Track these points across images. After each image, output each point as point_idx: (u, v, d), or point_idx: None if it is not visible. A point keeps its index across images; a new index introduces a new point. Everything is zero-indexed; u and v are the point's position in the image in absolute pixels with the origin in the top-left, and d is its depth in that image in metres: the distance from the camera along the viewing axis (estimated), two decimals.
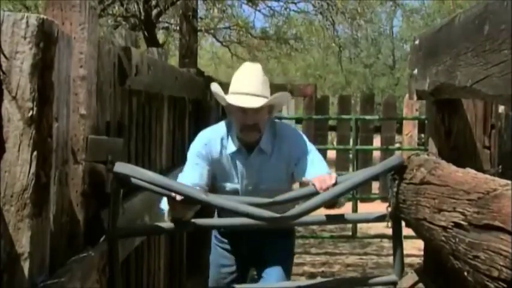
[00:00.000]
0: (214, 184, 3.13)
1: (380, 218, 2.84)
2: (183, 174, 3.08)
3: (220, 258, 3.36)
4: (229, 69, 24.09)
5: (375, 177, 2.84)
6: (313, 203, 2.58)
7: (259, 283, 3.27)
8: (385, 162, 2.73)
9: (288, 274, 3.31)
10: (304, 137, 3.21)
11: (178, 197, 2.53)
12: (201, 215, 3.16)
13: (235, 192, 3.10)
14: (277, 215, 2.57)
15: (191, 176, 3.02)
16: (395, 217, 2.67)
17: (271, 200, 2.70)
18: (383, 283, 3.05)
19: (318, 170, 2.93)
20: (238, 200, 2.68)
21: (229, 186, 3.13)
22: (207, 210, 3.39)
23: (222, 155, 3.10)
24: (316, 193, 2.63)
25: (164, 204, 2.76)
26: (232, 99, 3.00)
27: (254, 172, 3.11)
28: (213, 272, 3.39)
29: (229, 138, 3.11)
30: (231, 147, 3.10)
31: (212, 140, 3.12)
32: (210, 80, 6.61)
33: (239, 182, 3.13)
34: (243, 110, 2.97)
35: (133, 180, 2.53)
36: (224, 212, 3.00)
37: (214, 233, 3.41)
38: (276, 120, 3.28)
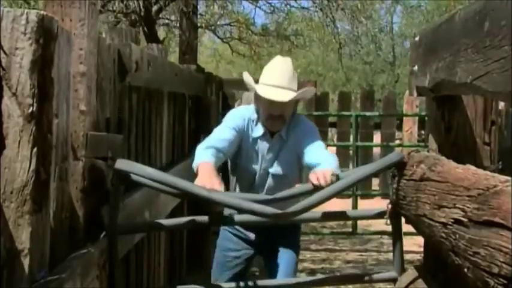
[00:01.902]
0: (237, 163, 3.36)
1: (380, 215, 2.85)
2: (213, 135, 3.22)
3: (227, 242, 3.48)
4: (230, 66, 24.08)
5: (375, 174, 2.84)
6: (314, 199, 2.59)
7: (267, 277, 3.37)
8: (385, 159, 2.73)
9: (295, 265, 3.43)
10: (316, 129, 3.46)
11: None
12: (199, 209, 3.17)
13: (253, 172, 3.33)
14: (279, 211, 2.58)
15: (220, 138, 3.17)
16: (395, 213, 2.68)
17: (271, 196, 2.73)
18: (383, 279, 3.06)
19: (318, 154, 3.13)
20: (240, 197, 2.69)
21: (250, 166, 3.33)
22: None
23: (249, 135, 3.32)
24: (316, 190, 2.64)
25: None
26: (263, 91, 3.20)
27: (272, 155, 3.32)
28: (218, 255, 3.51)
29: (257, 122, 3.32)
30: (258, 131, 3.32)
31: (247, 119, 3.33)
32: (210, 76, 6.62)
33: (259, 163, 3.33)
34: (271, 102, 3.18)
35: (134, 176, 2.53)
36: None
37: None
38: (299, 115, 3.58)
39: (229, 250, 3.47)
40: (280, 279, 3.25)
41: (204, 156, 2.98)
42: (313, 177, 2.74)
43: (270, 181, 3.33)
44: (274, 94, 3.17)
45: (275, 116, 3.24)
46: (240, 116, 3.34)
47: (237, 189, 3.43)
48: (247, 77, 3.34)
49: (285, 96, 3.18)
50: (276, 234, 3.37)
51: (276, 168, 3.32)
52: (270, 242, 3.40)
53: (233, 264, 3.44)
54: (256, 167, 3.33)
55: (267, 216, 2.59)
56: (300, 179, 3.37)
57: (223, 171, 3.51)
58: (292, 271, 3.39)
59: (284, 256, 3.37)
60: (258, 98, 3.29)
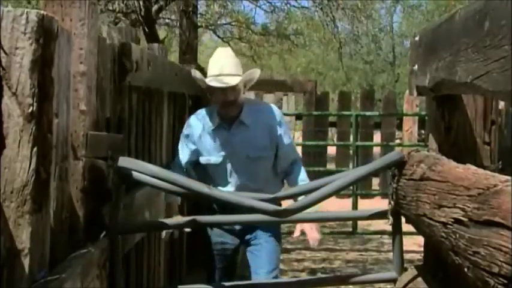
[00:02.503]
0: (200, 159, 3.52)
1: (378, 215, 2.85)
2: (176, 158, 3.61)
3: (213, 236, 3.64)
4: None
5: (375, 173, 2.84)
6: (314, 197, 2.59)
7: (253, 272, 3.52)
8: (385, 158, 2.73)
9: (278, 253, 3.63)
10: (279, 111, 3.65)
11: None
12: (195, 208, 3.20)
13: (221, 164, 3.47)
14: (280, 208, 2.59)
15: (181, 156, 3.56)
16: (395, 213, 2.68)
17: (272, 196, 2.74)
18: (383, 280, 3.06)
19: (290, 157, 3.56)
20: (239, 195, 2.70)
21: (213, 159, 3.48)
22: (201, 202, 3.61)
23: (204, 131, 3.50)
24: (316, 189, 2.65)
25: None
26: (212, 81, 3.38)
27: (237, 143, 3.46)
28: (208, 249, 3.68)
29: (210, 116, 3.52)
30: (213, 123, 3.49)
31: (195, 121, 3.56)
32: None
33: (223, 154, 3.47)
34: (222, 89, 3.36)
35: (135, 175, 2.53)
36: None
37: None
38: (254, 99, 3.88)
39: (217, 244, 3.63)
40: (279, 279, 3.27)
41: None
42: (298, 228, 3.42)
43: (244, 166, 3.46)
44: (223, 81, 3.35)
45: (228, 102, 3.39)
46: (192, 119, 3.59)
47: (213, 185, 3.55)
48: (196, 73, 3.52)
49: (233, 80, 3.35)
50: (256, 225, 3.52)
51: (247, 154, 3.44)
52: (251, 230, 3.56)
53: (224, 255, 3.62)
54: (219, 158, 3.47)
55: (268, 213, 2.60)
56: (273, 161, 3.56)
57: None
58: (275, 258, 3.55)
59: (266, 246, 3.52)
60: (210, 91, 3.46)
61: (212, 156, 3.48)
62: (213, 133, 3.48)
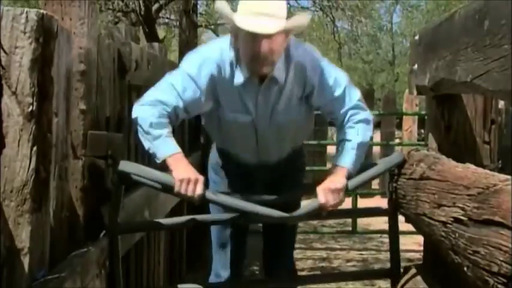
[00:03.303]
0: (223, 116, 2.66)
1: (382, 212, 2.86)
2: (157, 88, 2.55)
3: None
4: None
5: (378, 176, 2.85)
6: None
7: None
8: (387, 161, 2.74)
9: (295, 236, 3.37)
10: (321, 58, 2.68)
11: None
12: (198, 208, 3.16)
13: (248, 125, 2.65)
14: (286, 215, 2.58)
15: (175, 97, 2.49)
16: (392, 211, 2.69)
17: (274, 197, 2.73)
18: (380, 276, 3.07)
19: (345, 133, 2.70)
20: (245, 199, 2.67)
21: (241, 117, 2.63)
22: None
23: (229, 84, 2.56)
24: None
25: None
26: (242, 21, 2.38)
27: (267, 104, 2.62)
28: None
29: (237, 64, 2.55)
30: (239, 76, 2.54)
31: (219, 63, 2.54)
32: None
33: (252, 114, 2.64)
34: (254, 36, 2.37)
35: (134, 177, 2.53)
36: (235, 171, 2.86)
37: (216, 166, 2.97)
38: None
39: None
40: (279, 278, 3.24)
41: (167, 142, 2.46)
42: (320, 194, 2.53)
43: (273, 134, 2.69)
44: (256, 24, 2.35)
45: (261, 57, 2.41)
46: (207, 65, 2.52)
47: (230, 149, 2.85)
48: (221, 5, 2.46)
49: (271, 26, 2.36)
50: (279, 179, 2.86)
51: (277, 118, 2.65)
52: (272, 189, 2.80)
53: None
54: (248, 117, 2.64)
55: (273, 220, 2.62)
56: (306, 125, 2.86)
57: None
58: (293, 240, 3.36)
59: (285, 231, 3.06)
60: (236, 35, 2.47)
61: (239, 114, 2.62)
62: (238, 88, 2.56)
